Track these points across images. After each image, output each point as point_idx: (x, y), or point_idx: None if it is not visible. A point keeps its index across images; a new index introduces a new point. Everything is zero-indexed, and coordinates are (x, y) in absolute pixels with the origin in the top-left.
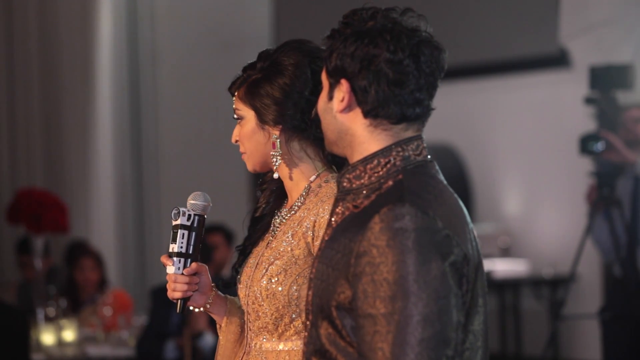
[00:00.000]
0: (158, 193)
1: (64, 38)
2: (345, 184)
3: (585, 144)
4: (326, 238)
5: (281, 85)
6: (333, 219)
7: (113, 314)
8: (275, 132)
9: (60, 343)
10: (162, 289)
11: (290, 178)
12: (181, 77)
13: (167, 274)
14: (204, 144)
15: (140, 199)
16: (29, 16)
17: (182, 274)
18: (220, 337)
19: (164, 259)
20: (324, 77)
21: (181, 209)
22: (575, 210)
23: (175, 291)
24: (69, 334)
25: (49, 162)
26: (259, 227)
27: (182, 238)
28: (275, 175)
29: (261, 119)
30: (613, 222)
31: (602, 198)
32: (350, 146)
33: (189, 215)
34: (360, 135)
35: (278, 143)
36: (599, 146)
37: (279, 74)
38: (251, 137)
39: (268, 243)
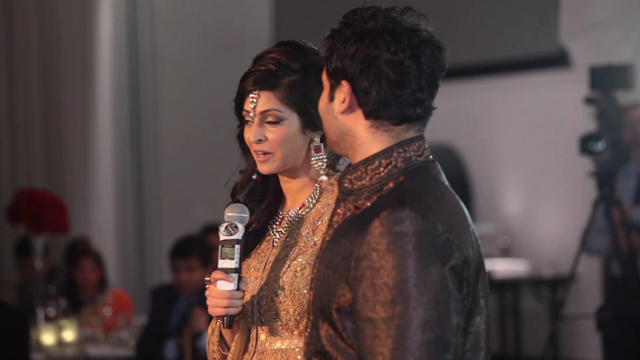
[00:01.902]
0: (158, 193)
1: (64, 38)
2: (346, 184)
3: (585, 144)
4: (327, 239)
5: None
6: (334, 219)
7: (113, 314)
8: (318, 137)
9: (60, 343)
10: (162, 289)
11: (301, 180)
12: (181, 77)
13: (215, 290)
14: (204, 144)
15: (140, 199)
16: (29, 16)
17: (238, 289)
18: (233, 346)
19: (221, 275)
20: (324, 77)
21: (237, 224)
22: (575, 210)
23: (231, 307)
24: (69, 334)
25: (49, 162)
26: (251, 240)
27: (238, 253)
28: (324, 178)
29: (307, 123)
30: (613, 222)
31: (602, 198)
32: (351, 147)
33: (241, 229)
34: (361, 136)
35: (322, 147)
36: (599, 146)
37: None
38: (292, 139)
39: (274, 244)
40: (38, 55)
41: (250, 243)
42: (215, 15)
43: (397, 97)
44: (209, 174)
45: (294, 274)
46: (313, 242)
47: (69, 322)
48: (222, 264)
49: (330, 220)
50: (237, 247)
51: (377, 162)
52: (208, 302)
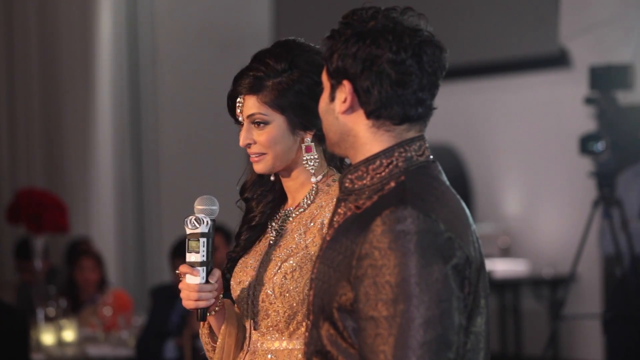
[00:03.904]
0: (158, 193)
1: (64, 38)
2: (347, 184)
3: (585, 144)
4: (328, 238)
5: (314, 89)
6: (335, 219)
7: (113, 314)
8: (309, 136)
9: (60, 343)
10: (162, 289)
11: (298, 179)
12: (181, 77)
13: (185, 283)
14: (204, 144)
15: (140, 199)
16: (29, 16)
17: (207, 282)
18: (220, 339)
19: (186, 269)
20: (324, 78)
21: (200, 217)
22: (575, 210)
23: (200, 300)
24: (69, 334)
25: (49, 162)
26: (254, 234)
27: (204, 246)
28: (314, 179)
29: (294, 124)
30: (613, 221)
31: (602, 198)
32: (352, 147)
33: (207, 222)
34: (362, 136)
35: (313, 147)
36: (599, 146)
37: (309, 77)
38: (280, 141)
39: (271, 242)
40: (38, 55)
41: (250, 240)
42: (215, 15)
43: (399, 97)
44: (209, 174)
45: (284, 276)
46: (305, 245)
47: (69, 322)
48: (189, 257)
49: (331, 220)
50: (203, 240)
51: (378, 162)
52: (181, 295)
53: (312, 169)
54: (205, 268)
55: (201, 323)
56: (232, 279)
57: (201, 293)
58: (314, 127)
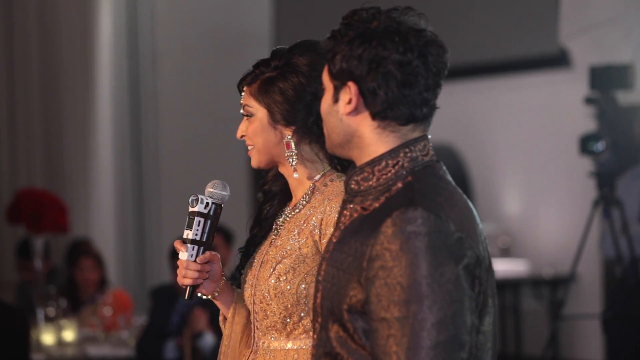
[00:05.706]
0: (158, 193)
1: (64, 38)
2: (353, 185)
3: (585, 144)
4: (334, 240)
5: (296, 85)
6: (340, 221)
7: (113, 314)
8: (288, 133)
9: (60, 343)
10: (162, 289)
11: (296, 177)
12: (181, 77)
13: (178, 259)
14: (204, 144)
15: (140, 199)
16: (29, 16)
17: (195, 261)
18: (226, 327)
19: (177, 244)
20: (326, 79)
21: (200, 197)
22: (575, 210)
23: (185, 278)
24: (69, 334)
25: (49, 162)
26: (262, 228)
27: (198, 225)
28: (296, 175)
29: (273, 118)
30: (613, 222)
31: (602, 198)
32: (357, 148)
33: (207, 203)
34: (367, 137)
35: (292, 143)
36: (599, 146)
37: (294, 74)
38: (260, 134)
39: (272, 242)
40: (38, 55)
41: (258, 236)
42: (215, 15)
43: (405, 97)
44: (209, 174)
45: (278, 278)
46: (298, 246)
47: (69, 322)
48: (184, 234)
49: (337, 222)
50: (198, 219)
51: (383, 163)
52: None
53: (292, 166)
54: (195, 247)
55: (220, 311)
56: (241, 277)
57: (187, 270)
58: (294, 123)
